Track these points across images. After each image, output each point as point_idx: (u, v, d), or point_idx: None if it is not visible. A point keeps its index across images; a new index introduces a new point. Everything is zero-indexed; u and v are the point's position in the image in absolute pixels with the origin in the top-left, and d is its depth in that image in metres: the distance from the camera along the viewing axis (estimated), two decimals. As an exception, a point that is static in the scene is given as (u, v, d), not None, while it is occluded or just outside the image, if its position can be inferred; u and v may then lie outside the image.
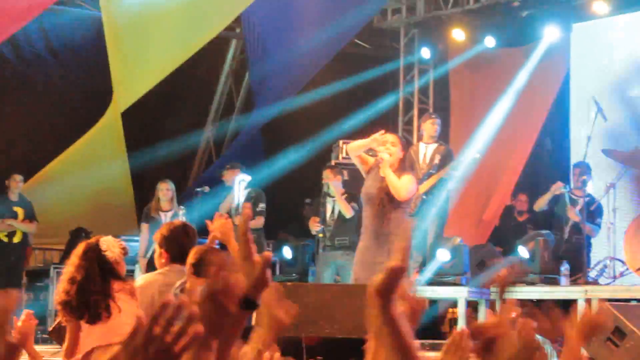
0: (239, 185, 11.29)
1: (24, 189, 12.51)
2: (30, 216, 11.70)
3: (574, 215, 11.33)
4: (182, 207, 11.29)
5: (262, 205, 11.41)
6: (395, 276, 2.46)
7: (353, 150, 8.51)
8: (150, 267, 8.76)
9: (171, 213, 10.93)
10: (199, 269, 5.74)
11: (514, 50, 14.33)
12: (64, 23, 13.67)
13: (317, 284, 10.65)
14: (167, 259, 6.30)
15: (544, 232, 11.54)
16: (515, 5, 13.61)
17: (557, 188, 11.56)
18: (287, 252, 12.53)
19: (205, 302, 2.02)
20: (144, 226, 11.11)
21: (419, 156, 11.10)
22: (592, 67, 13.55)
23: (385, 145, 8.30)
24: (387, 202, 8.23)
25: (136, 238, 10.96)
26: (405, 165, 8.47)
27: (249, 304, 2.16)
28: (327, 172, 11.42)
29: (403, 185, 8.19)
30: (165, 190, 11.12)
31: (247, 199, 11.28)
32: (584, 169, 11.36)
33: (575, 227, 11.38)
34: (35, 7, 12.17)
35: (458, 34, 14.13)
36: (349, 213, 10.64)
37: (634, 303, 8.76)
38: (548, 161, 13.30)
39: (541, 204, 11.65)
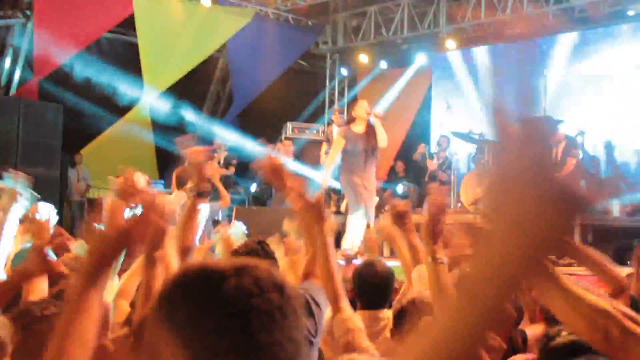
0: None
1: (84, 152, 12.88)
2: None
3: (431, 164, 12.17)
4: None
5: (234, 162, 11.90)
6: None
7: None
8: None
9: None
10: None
11: (397, 69, 14.83)
12: (115, 44, 13.48)
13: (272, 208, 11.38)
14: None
15: (412, 184, 12.68)
16: (399, 42, 14.33)
17: (421, 147, 12.64)
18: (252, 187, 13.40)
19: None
20: None
21: (333, 135, 11.40)
22: (443, 81, 14.10)
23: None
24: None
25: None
26: None
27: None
28: (279, 144, 12.24)
29: None
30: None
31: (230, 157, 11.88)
32: (447, 139, 12.25)
33: (431, 176, 12.12)
34: (96, 32, 12.42)
35: (363, 58, 14.69)
36: None
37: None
38: (416, 139, 13.67)
39: (416, 157, 12.61)
